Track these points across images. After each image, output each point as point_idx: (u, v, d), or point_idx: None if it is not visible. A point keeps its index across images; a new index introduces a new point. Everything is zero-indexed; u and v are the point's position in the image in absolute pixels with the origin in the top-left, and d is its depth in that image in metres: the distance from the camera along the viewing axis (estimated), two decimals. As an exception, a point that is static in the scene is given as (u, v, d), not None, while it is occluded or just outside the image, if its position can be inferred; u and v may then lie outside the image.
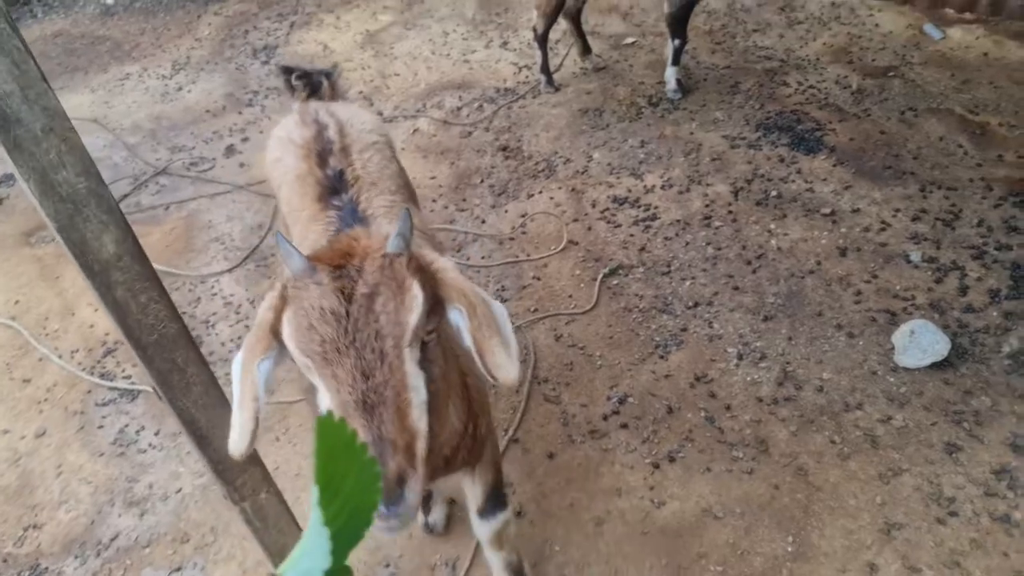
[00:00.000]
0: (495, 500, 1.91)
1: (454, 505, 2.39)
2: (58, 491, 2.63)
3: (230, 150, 4.43)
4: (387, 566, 2.28)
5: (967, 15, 4.74)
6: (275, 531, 1.74)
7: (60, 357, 3.09)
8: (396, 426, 1.09)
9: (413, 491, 1.08)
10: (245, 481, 1.63)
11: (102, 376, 3.01)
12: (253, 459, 1.64)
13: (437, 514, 2.34)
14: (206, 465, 1.56)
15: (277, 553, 1.76)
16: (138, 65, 5.36)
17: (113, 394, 2.93)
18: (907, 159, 3.64)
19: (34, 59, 1.09)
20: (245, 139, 4.51)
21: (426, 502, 2.29)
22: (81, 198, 1.19)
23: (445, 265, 1.31)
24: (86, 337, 3.21)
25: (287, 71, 2.35)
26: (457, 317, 1.26)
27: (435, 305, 1.24)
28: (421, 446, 1.13)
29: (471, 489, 1.89)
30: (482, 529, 1.95)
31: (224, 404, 1.53)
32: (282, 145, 2.05)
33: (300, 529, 1.78)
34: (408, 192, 2.16)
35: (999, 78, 4.11)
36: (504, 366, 1.25)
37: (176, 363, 1.40)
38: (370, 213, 1.77)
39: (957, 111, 3.93)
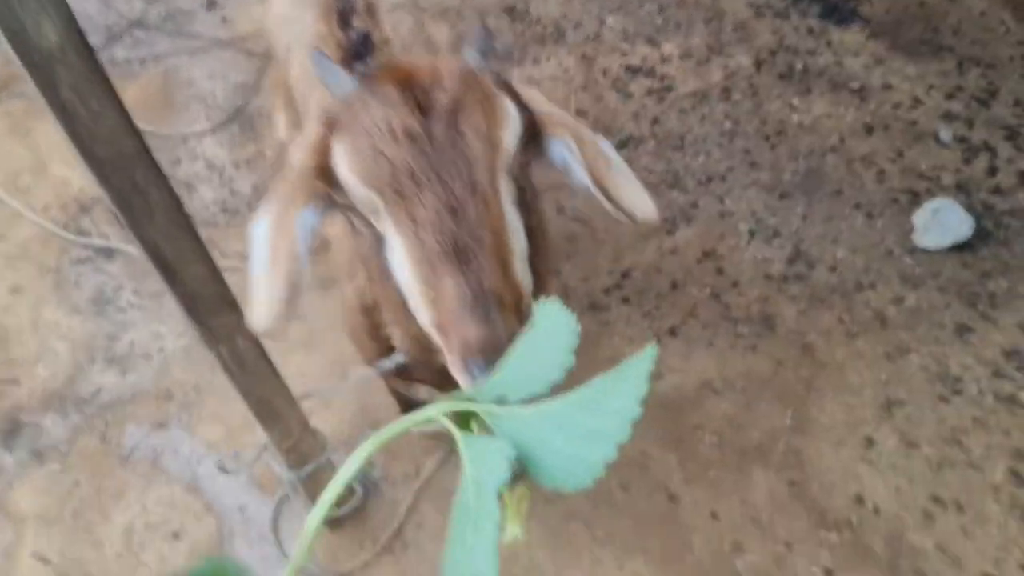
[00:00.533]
0: None
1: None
2: (35, 347, 2.54)
3: (211, 4, 4.07)
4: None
5: None
6: (254, 379, 1.65)
7: (33, 213, 2.92)
8: (499, 275, 0.88)
9: None
10: (221, 324, 1.52)
11: (78, 233, 2.86)
12: (229, 304, 1.52)
13: None
14: (177, 303, 1.44)
15: (256, 403, 1.68)
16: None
17: (89, 252, 2.80)
18: (946, 33, 3.36)
19: None
20: (228, -9, 4.15)
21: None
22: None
23: (539, 97, 1.09)
24: (60, 194, 3.03)
25: None
26: (562, 150, 1.03)
27: (530, 136, 1.01)
28: (527, 302, 0.92)
29: None
30: None
31: (193, 236, 1.39)
32: (293, 1, 1.78)
33: (280, 380, 1.69)
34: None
35: (1053, -51, 3.75)
36: (638, 201, 1.05)
37: (136, 184, 1.24)
38: None
39: (1003, -16, 3.60)
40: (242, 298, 1.25)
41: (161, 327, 2.55)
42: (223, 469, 2.03)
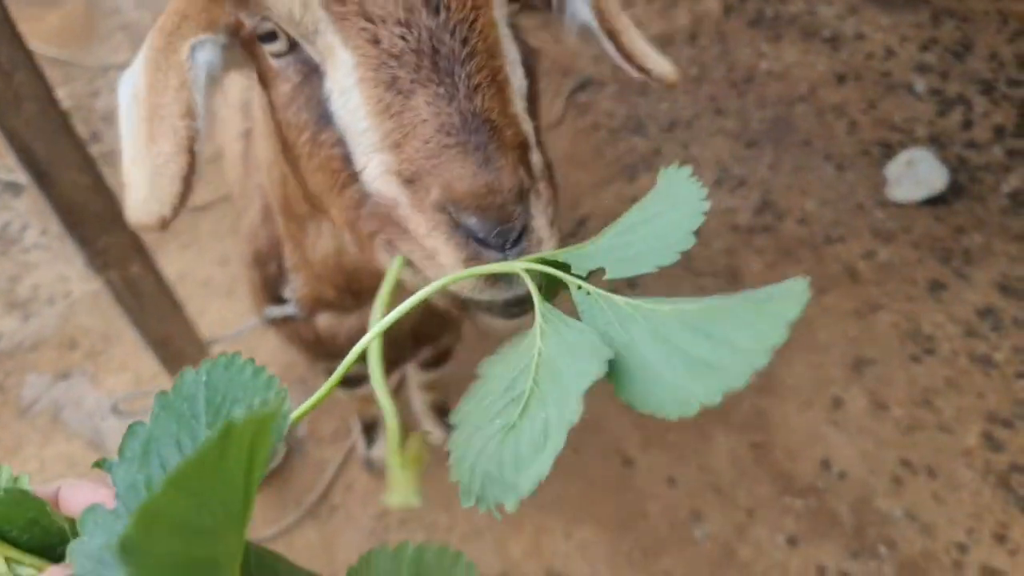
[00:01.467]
0: (446, 357, 1.68)
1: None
2: (-75, 288, 2.27)
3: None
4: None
5: None
6: (153, 316, 1.43)
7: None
8: (503, 116, 0.64)
9: (540, 219, 0.65)
10: (109, 245, 1.29)
11: (-22, 166, 2.57)
12: (118, 222, 1.30)
13: (381, 448, 1.90)
14: (52, 214, 1.21)
15: (156, 343, 1.46)
16: None
17: (-9, 186, 2.51)
18: (921, -15, 3.24)
19: None
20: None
21: (368, 431, 1.92)
22: None
23: None
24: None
25: None
26: (582, 8, 0.83)
27: None
28: (537, 158, 0.69)
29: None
30: (420, 377, 1.69)
31: (70, 135, 1.16)
32: None
33: (182, 316, 1.47)
34: None
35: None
36: (652, 55, 0.86)
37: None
38: None
39: (980, -62, 3.49)
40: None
41: (69, 270, 2.30)
42: (119, 413, 1.81)
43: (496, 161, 0.61)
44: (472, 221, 0.60)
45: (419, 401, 1.88)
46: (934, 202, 2.39)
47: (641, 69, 0.85)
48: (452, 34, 0.62)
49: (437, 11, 0.62)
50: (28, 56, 1.09)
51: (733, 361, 0.40)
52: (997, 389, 2.01)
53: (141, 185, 0.77)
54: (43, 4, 3.29)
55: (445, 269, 0.63)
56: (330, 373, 0.48)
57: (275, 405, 0.40)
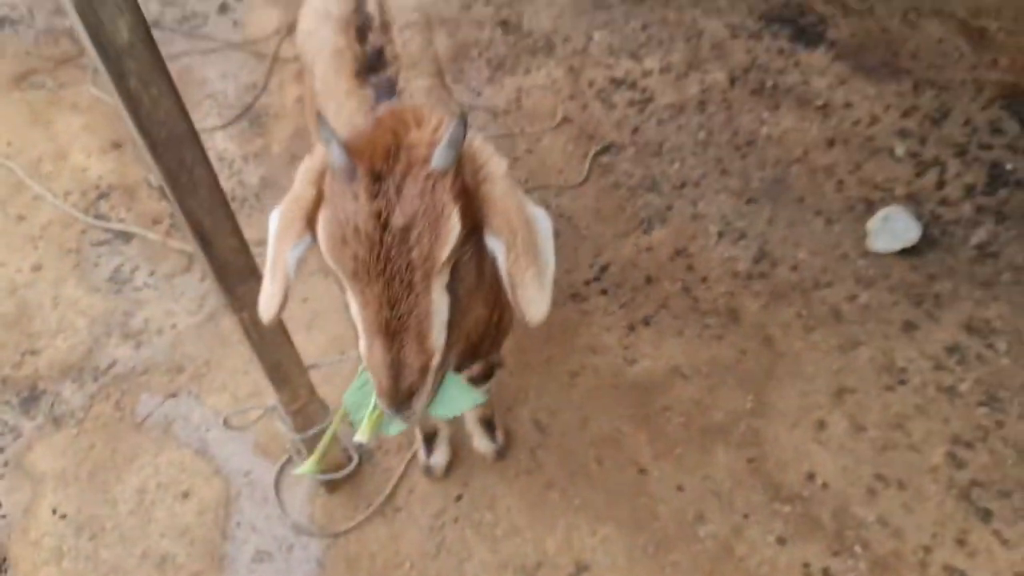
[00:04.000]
0: (490, 373, 1.99)
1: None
2: (55, 321, 2.72)
3: (223, 8, 4.29)
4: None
5: (986, -83, 4.60)
6: (271, 346, 1.85)
7: (55, 197, 3.11)
8: (414, 350, 1.14)
9: (420, 401, 1.19)
10: (246, 292, 1.72)
11: (97, 217, 3.05)
12: (252, 269, 1.72)
13: (439, 456, 2.31)
14: (208, 268, 1.64)
15: (270, 367, 1.88)
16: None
17: (108, 235, 2.99)
18: (905, 57, 3.64)
19: None
20: (237, -3, 4.36)
21: (428, 441, 2.29)
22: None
23: (495, 173, 1.21)
24: (79, 180, 3.22)
25: None
26: (496, 246, 1.18)
27: (475, 228, 1.17)
28: (435, 361, 1.17)
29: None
30: None
31: (228, 211, 1.60)
32: (318, 17, 1.96)
33: (291, 346, 1.89)
34: (441, 73, 2.06)
35: (1008, -16, 4.06)
36: (534, 301, 1.19)
37: (184, 162, 1.45)
38: (408, 94, 1.71)
39: (959, 14, 3.88)
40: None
41: (174, 306, 2.74)
42: (229, 425, 2.22)
43: (403, 381, 1.15)
44: (386, 404, 1.19)
45: (469, 415, 2.27)
46: (909, 252, 2.75)
47: (522, 309, 1.20)
48: (398, 319, 1.12)
49: (392, 305, 1.11)
50: (204, 156, 1.52)
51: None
52: (961, 416, 2.35)
53: (265, 298, 1.29)
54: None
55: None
56: None
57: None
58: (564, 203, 3.07)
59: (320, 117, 1.15)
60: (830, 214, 2.94)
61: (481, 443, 2.29)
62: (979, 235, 2.79)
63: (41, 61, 3.93)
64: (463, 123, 1.10)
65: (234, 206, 3.11)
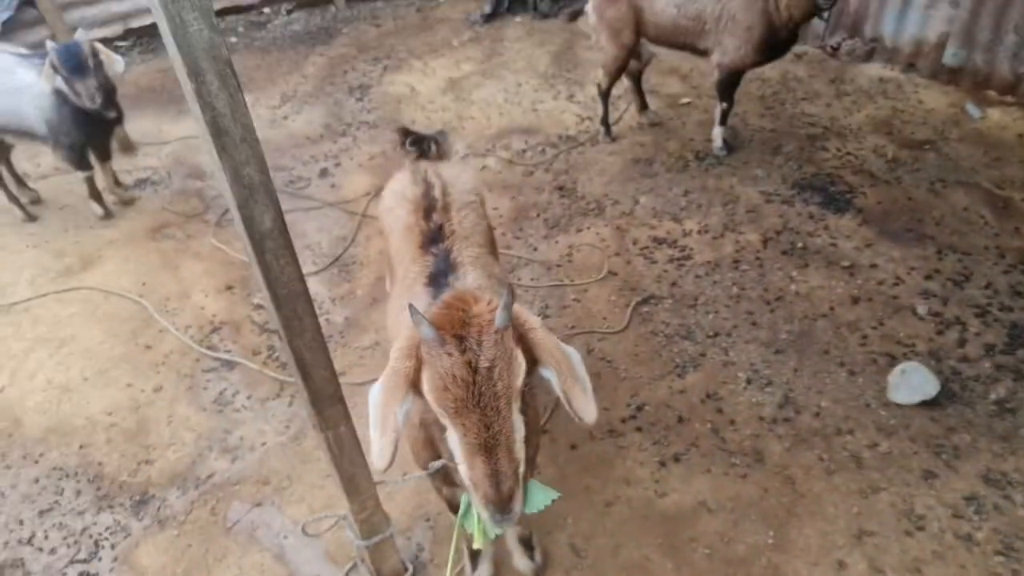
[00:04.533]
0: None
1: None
2: (168, 435, 3.20)
3: (324, 172, 5.10)
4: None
5: (1008, 97, 5.04)
6: (348, 461, 2.23)
7: (177, 330, 3.71)
8: (507, 461, 1.49)
9: (518, 501, 1.53)
10: (332, 414, 2.13)
11: (209, 348, 3.61)
12: (339, 397, 2.15)
13: (483, 571, 2.54)
14: (304, 394, 2.07)
15: (346, 479, 2.25)
16: (252, 95, 6.16)
17: (216, 363, 3.52)
18: (929, 224, 3.97)
19: (240, 89, 1.66)
20: (337, 164, 5.18)
21: (473, 558, 2.56)
22: (255, 186, 1.74)
23: (534, 324, 1.62)
24: (197, 317, 3.83)
25: (404, 133, 2.70)
26: (548, 374, 1.58)
27: (531, 365, 1.57)
28: (522, 469, 1.55)
29: None
30: None
31: (325, 350, 2.05)
32: (396, 198, 2.46)
33: (365, 461, 2.27)
34: (492, 243, 2.51)
35: (1029, 157, 4.41)
36: (587, 410, 1.56)
37: (296, 312, 1.92)
38: (460, 261, 2.14)
39: (984, 185, 4.23)
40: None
41: (265, 426, 3.19)
42: (306, 533, 2.56)
43: (503, 488, 1.49)
44: (490, 508, 1.52)
45: (508, 535, 2.53)
46: (930, 405, 2.95)
47: (577, 416, 1.56)
48: (493, 438, 1.49)
49: (488, 427, 1.48)
50: (311, 309, 2.00)
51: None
52: (978, 563, 2.45)
53: (375, 449, 1.60)
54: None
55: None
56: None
57: None
58: (606, 347, 3.44)
59: (411, 307, 1.57)
60: (853, 366, 3.18)
61: (521, 561, 2.54)
62: (998, 391, 2.96)
63: (174, 216, 4.74)
64: (511, 292, 1.54)
65: (322, 341, 3.66)
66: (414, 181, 2.44)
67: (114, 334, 3.76)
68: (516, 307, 1.65)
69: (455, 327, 1.53)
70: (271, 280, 1.86)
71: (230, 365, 3.51)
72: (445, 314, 1.59)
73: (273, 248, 1.83)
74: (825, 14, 4.12)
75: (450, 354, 1.49)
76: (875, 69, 5.70)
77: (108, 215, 4.68)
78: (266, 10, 7.81)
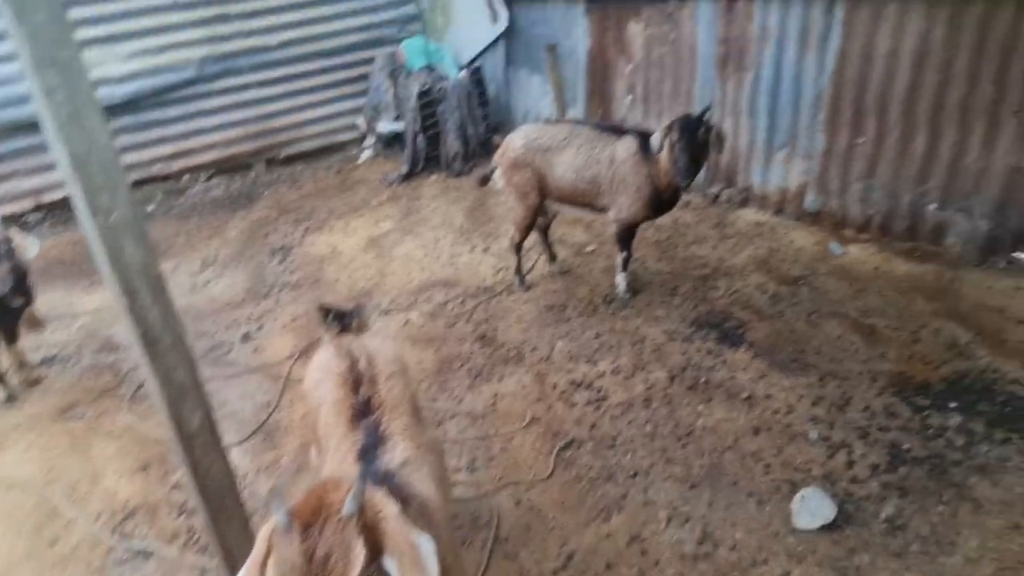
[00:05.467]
0: None
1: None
2: (77, 636, 3.01)
3: (246, 337, 5.17)
4: None
5: (862, 235, 5.77)
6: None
7: (86, 520, 3.56)
8: None
9: None
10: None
11: (121, 536, 3.48)
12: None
13: None
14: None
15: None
16: (172, 262, 6.27)
17: (129, 554, 3.39)
18: (811, 353, 4.40)
19: (170, 299, 1.82)
20: (260, 327, 5.27)
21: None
22: (186, 389, 1.87)
23: (388, 513, 1.69)
24: (110, 502, 3.70)
25: (325, 310, 2.83)
26: (391, 566, 1.62)
27: (376, 553, 1.61)
28: None
29: None
30: None
31: (247, 528, 2.09)
32: (323, 373, 2.54)
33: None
34: (416, 409, 2.59)
35: (886, 288, 5.01)
36: None
37: (225, 505, 1.99)
38: (389, 433, 2.22)
39: (852, 315, 4.76)
40: None
41: (186, 615, 3.06)
42: None
43: None
44: None
45: None
46: (831, 528, 3.17)
47: None
48: None
49: None
50: (239, 499, 2.07)
51: None
52: None
53: None
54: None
55: None
56: None
57: None
58: (534, 497, 3.54)
59: (275, 491, 1.69)
60: (760, 495, 3.41)
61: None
62: (887, 510, 3.24)
63: (84, 393, 4.64)
64: (362, 481, 1.65)
65: (246, 516, 3.59)
66: (339, 355, 2.54)
67: (15, 531, 3.56)
68: (374, 494, 1.75)
69: (308, 514, 1.62)
70: (199, 477, 1.95)
71: (145, 555, 3.38)
72: (305, 501, 1.68)
73: (202, 446, 1.93)
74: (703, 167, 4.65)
75: (291, 541, 1.56)
76: (751, 213, 6.42)
77: (12, 398, 4.54)
78: (184, 178, 8.09)
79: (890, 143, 5.44)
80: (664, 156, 4.55)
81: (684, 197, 6.28)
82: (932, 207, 5.38)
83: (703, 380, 4.27)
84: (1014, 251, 5.07)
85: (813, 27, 5.61)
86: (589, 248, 6.11)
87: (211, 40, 7.57)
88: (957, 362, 4.17)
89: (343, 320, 2.82)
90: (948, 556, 3.00)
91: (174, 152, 7.87)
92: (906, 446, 3.58)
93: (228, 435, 4.15)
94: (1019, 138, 4.76)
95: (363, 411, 2.33)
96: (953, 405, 3.84)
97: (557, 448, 3.84)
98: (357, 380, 2.43)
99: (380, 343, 2.74)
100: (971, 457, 3.48)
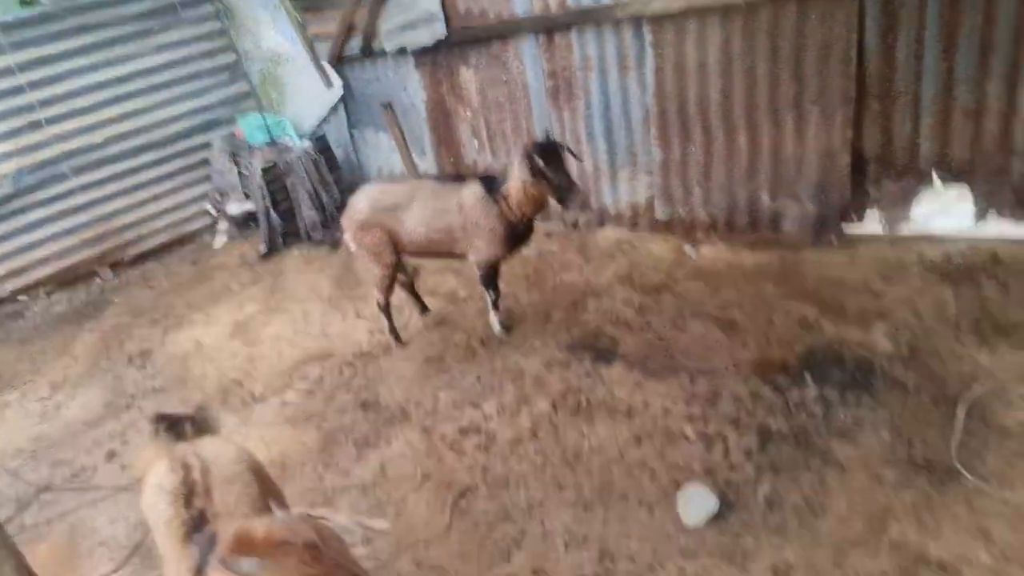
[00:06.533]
0: None
1: None
2: None
3: (110, 455, 4.80)
4: None
5: (712, 236, 6.17)
6: None
7: None
8: None
9: None
10: None
11: None
12: None
13: None
14: None
15: None
16: (17, 392, 5.76)
17: None
18: (679, 356, 4.62)
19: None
20: (124, 442, 4.91)
21: None
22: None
23: None
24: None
25: (157, 420, 2.69)
26: None
27: None
28: None
29: None
30: None
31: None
32: (155, 492, 2.35)
33: None
34: (265, 500, 2.42)
35: (739, 281, 5.35)
36: None
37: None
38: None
39: (712, 312, 5.04)
40: None
41: None
42: None
43: None
44: None
45: None
46: (717, 519, 3.31)
47: None
48: None
49: None
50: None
51: None
52: (791, 656, 2.70)
53: None
54: (32, 540, 4.09)
55: None
56: None
57: None
58: (432, 555, 3.47)
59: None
60: (650, 502, 3.51)
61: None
62: (763, 489, 3.42)
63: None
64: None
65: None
66: (172, 469, 2.36)
67: None
68: None
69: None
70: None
71: None
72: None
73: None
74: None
75: None
76: (610, 232, 6.71)
77: None
78: (21, 298, 7.50)
79: (717, 146, 5.87)
80: (524, 188, 4.60)
81: (545, 227, 6.50)
82: (765, 199, 5.84)
83: (584, 402, 4.37)
84: (841, 224, 5.55)
85: (628, 51, 6.00)
86: (462, 294, 6.16)
87: (23, 151, 7.15)
88: (808, 338, 4.50)
89: (177, 428, 2.67)
90: (822, 520, 3.20)
91: (4, 273, 7.30)
92: (773, 426, 3.81)
93: (103, 564, 3.82)
94: (823, 125, 5.27)
95: (196, 525, 2.19)
96: (809, 378, 4.12)
97: (451, 499, 3.79)
98: (190, 493, 2.28)
99: (220, 446, 2.59)
100: (830, 424, 3.74)
